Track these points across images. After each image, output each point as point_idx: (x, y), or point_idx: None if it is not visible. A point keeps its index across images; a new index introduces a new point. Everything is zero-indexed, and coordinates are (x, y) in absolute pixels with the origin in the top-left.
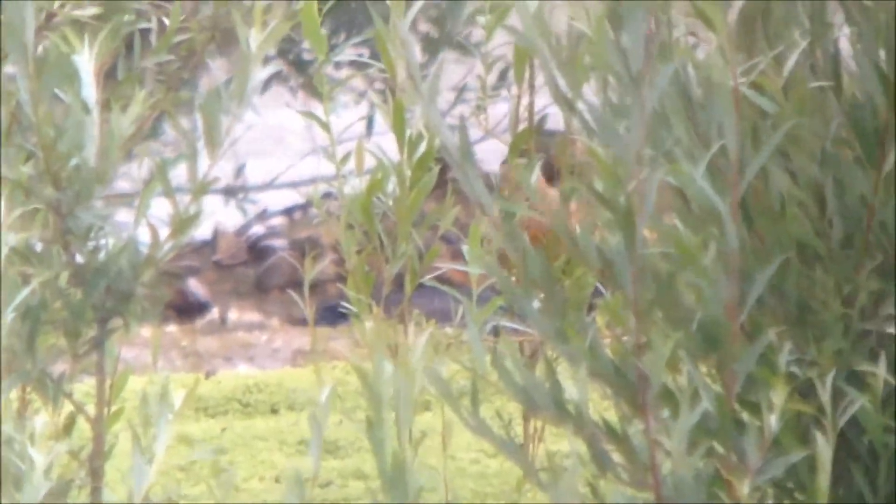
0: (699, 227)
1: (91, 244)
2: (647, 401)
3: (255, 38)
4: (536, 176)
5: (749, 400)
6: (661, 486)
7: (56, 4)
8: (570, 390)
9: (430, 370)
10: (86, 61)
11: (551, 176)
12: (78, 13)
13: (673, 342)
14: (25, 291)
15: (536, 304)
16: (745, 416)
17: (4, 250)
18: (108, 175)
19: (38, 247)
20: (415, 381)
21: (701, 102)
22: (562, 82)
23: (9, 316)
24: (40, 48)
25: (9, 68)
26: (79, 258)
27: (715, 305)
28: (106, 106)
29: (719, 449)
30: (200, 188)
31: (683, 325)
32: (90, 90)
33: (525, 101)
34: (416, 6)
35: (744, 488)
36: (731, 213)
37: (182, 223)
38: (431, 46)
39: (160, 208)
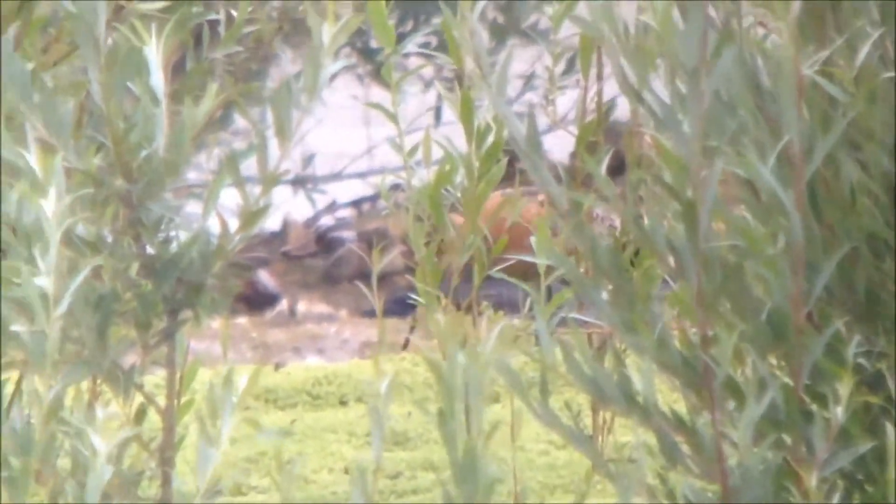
0: (767, 218)
1: (161, 235)
2: (714, 392)
3: (327, 32)
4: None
5: (816, 391)
6: (729, 478)
7: None
8: (639, 382)
9: (499, 361)
10: (154, 53)
11: (619, 167)
12: (146, 6)
13: (738, 333)
14: (78, 279)
15: (605, 295)
16: (812, 407)
17: (56, 239)
18: (178, 166)
19: (109, 238)
20: (486, 372)
21: (770, 92)
22: (629, 72)
23: (65, 303)
24: (109, 40)
25: (78, 60)
26: (149, 249)
27: (781, 296)
28: (175, 97)
29: (787, 440)
30: (271, 180)
31: (750, 317)
32: (159, 82)
33: (592, 91)
34: None
35: (811, 480)
36: (795, 203)
37: (252, 215)
38: (499, 34)
39: (229, 199)
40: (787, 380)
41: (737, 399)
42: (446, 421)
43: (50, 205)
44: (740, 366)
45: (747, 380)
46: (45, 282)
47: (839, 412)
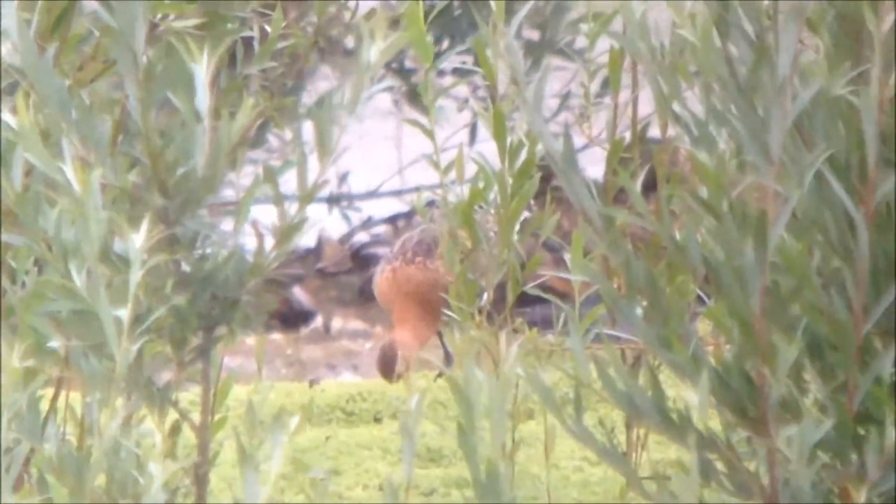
0: (803, 234)
1: (197, 252)
2: (766, 412)
3: (374, 51)
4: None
5: (868, 412)
6: (778, 497)
7: (158, 15)
8: (674, 398)
9: (532, 377)
10: (203, 67)
11: (652, 184)
12: (180, 23)
13: (794, 353)
14: (157, 314)
15: (639, 311)
16: (863, 428)
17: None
18: (214, 183)
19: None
20: (509, 388)
21: (806, 109)
22: (664, 89)
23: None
24: (144, 57)
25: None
26: (185, 266)
27: (843, 314)
28: (211, 114)
29: (837, 461)
30: (308, 195)
31: (800, 336)
32: (203, 98)
33: (627, 108)
34: (521, 14)
35: (860, 499)
36: (865, 221)
37: (288, 230)
38: (534, 52)
39: (266, 216)
40: (834, 397)
41: (790, 418)
42: (466, 437)
43: (90, 221)
44: (791, 385)
45: (799, 399)
46: (122, 312)
47: (893, 434)
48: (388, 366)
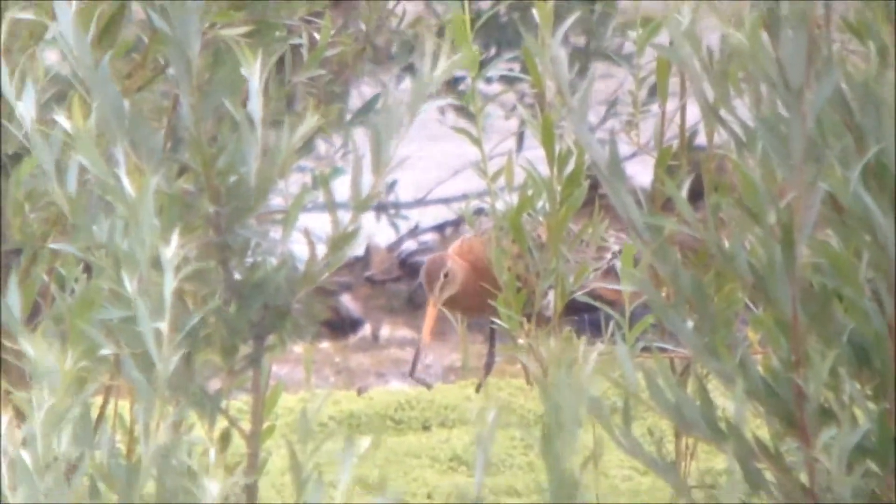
0: (852, 237)
1: (248, 260)
2: (806, 419)
3: (440, 65)
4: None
5: None
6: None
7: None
8: (724, 408)
9: (585, 389)
10: (256, 74)
11: (701, 191)
12: (229, 31)
13: (831, 360)
14: (193, 321)
15: (689, 323)
16: None
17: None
18: (266, 191)
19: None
20: (584, 396)
21: (858, 114)
22: (711, 96)
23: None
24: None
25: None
26: (236, 274)
27: (876, 322)
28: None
29: (878, 468)
30: (362, 204)
31: (839, 342)
32: (257, 106)
33: (675, 115)
34: (568, 23)
35: None
36: (892, 225)
37: (341, 238)
38: (581, 59)
39: (313, 224)
40: (873, 405)
41: (828, 425)
42: (550, 445)
43: (143, 228)
44: (831, 392)
45: (841, 406)
46: (162, 325)
47: None
48: (433, 273)
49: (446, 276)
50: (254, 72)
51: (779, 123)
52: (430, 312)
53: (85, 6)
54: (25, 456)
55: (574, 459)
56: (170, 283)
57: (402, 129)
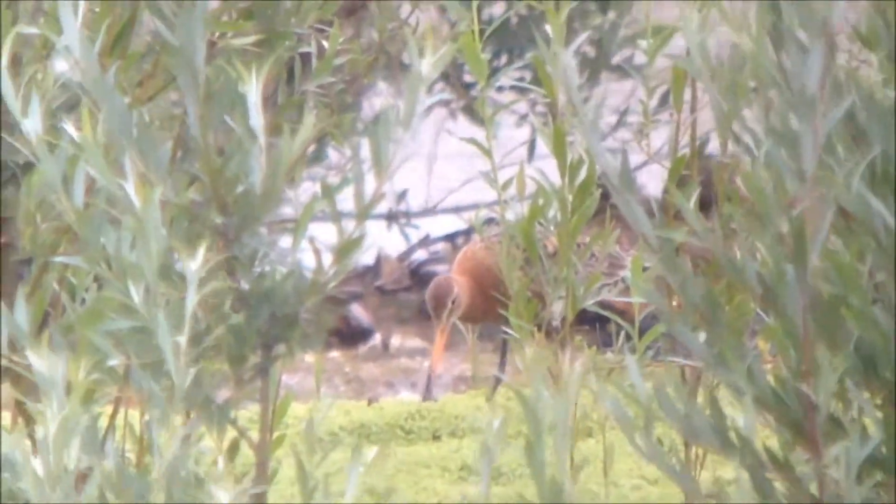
0: (857, 243)
1: (256, 270)
2: (815, 429)
3: (424, 64)
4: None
5: None
6: None
7: (216, 33)
8: (734, 419)
9: (604, 393)
10: (253, 88)
11: (709, 201)
12: (239, 41)
13: (840, 370)
14: (212, 335)
15: (700, 334)
16: None
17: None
18: (273, 201)
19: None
20: (571, 406)
21: (865, 124)
22: (723, 106)
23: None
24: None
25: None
26: (244, 284)
27: (884, 331)
28: (269, 130)
29: (887, 477)
30: (364, 211)
31: (847, 352)
32: (257, 117)
33: (686, 125)
34: (580, 39)
35: None
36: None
37: (346, 246)
38: (592, 68)
39: (322, 233)
40: (881, 414)
41: (838, 435)
42: (534, 454)
43: (150, 239)
44: (840, 402)
45: (851, 418)
46: (181, 339)
47: None
48: (440, 299)
49: (454, 302)
50: (250, 87)
51: (790, 136)
52: (439, 340)
53: (93, 15)
54: (37, 466)
55: (561, 468)
56: (192, 298)
57: (400, 133)
